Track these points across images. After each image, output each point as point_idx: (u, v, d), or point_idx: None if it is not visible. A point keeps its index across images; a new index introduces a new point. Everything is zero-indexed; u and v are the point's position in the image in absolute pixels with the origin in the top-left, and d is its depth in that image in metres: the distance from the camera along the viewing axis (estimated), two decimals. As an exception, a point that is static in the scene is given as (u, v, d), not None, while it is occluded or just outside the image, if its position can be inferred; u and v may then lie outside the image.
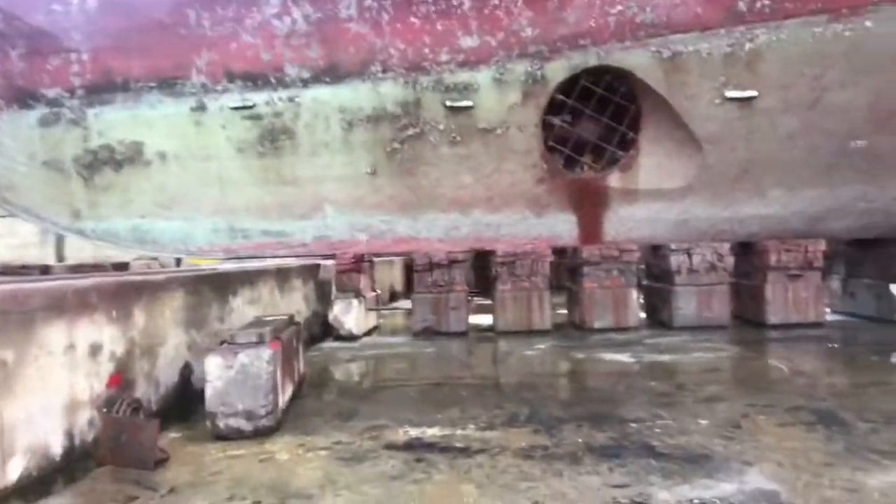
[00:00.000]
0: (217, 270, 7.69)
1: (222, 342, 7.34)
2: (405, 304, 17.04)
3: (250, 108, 7.18)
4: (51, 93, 7.85)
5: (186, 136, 7.52)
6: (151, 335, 7.20)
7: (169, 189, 7.70)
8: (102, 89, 7.64)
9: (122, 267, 12.76)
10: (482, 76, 6.46)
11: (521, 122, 6.36)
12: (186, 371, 7.88)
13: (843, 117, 6.13)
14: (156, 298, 7.10)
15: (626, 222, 6.82)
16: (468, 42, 6.37)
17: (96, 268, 12.69)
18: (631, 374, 9.80)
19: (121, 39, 7.50)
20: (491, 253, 13.64)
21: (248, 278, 9.05)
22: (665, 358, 10.82)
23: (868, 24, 5.71)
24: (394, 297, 21.44)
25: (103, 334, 6.53)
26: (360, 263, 11.02)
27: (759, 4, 5.75)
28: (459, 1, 6.27)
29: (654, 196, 6.66)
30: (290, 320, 8.51)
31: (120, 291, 6.49)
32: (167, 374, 7.56)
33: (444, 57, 6.51)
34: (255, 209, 7.49)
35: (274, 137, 7.21)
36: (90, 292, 6.13)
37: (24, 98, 8.02)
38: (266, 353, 7.04)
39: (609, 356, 11.12)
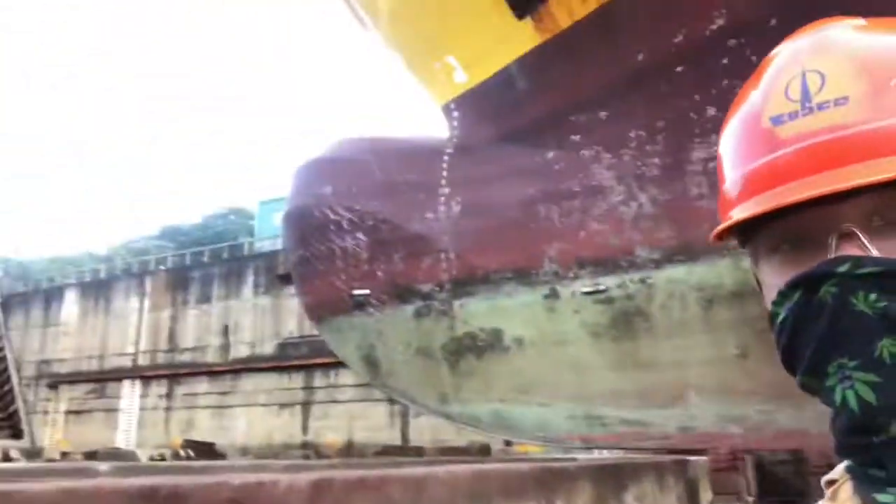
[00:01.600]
0: (607, 461, 7.30)
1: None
2: None
3: (602, 291, 7.19)
4: (425, 288, 9.02)
5: (541, 322, 7.81)
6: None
7: (526, 374, 7.95)
8: (466, 283, 8.50)
9: (485, 451, 13.18)
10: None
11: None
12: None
13: None
14: (573, 490, 6.51)
15: None
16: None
17: (462, 451, 13.27)
18: None
19: (480, 238, 8.36)
20: None
21: (636, 473, 8.12)
22: None
23: None
24: None
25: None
26: (740, 461, 9.67)
27: None
28: (834, 160, 5.59)
29: None
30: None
31: (545, 479, 6.04)
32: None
33: (820, 222, 5.74)
34: (612, 396, 7.22)
35: (628, 320, 7.03)
36: (525, 479, 5.67)
37: (403, 294, 9.34)
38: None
39: None
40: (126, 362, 26.73)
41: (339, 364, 21.76)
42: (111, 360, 27.17)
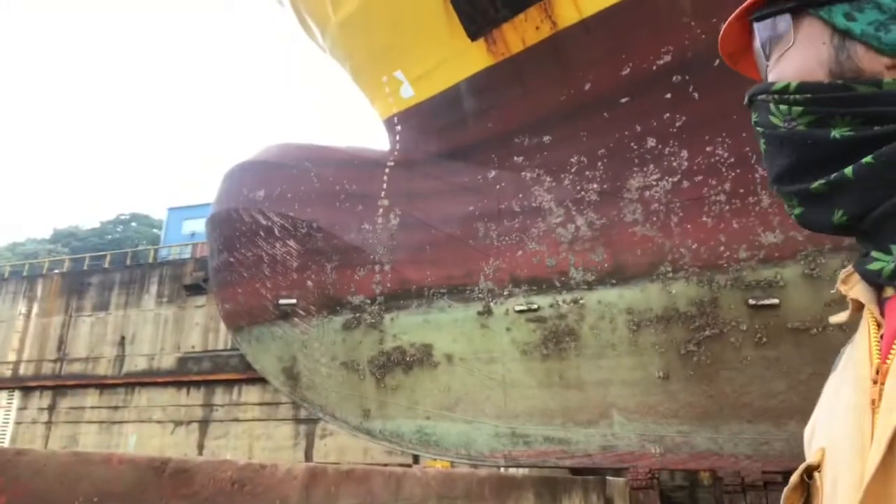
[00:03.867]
0: (544, 475, 7.29)
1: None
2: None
3: (535, 310, 7.37)
4: (356, 300, 8.91)
5: (472, 338, 7.89)
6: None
7: (454, 391, 7.96)
8: (399, 296, 8.47)
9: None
10: (789, 272, 5.97)
11: (843, 322, 5.63)
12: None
13: None
14: (520, 499, 6.43)
15: None
16: (770, 238, 6.02)
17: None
18: None
19: (417, 252, 8.39)
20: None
21: (566, 488, 8.06)
22: None
23: None
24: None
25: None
26: (656, 480, 10.01)
27: None
28: (757, 198, 6.04)
29: None
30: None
31: (501, 487, 5.88)
32: None
33: (742, 254, 6.18)
34: (538, 414, 7.36)
35: (558, 339, 7.23)
36: (483, 484, 5.50)
37: (332, 305, 9.18)
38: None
39: None
40: (5, 371, 24.61)
41: (244, 381, 20.99)
42: (-13, 367, 24.93)
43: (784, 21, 0.82)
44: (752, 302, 6.02)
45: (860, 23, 0.77)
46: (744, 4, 0.87)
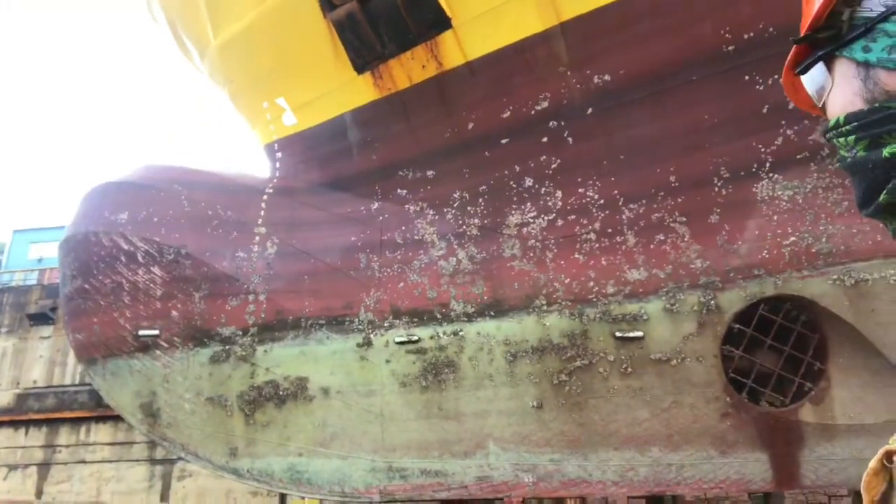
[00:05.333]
0: None
1: None
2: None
3: (415, 342, 7.37)
4: (225, 331, 8.45)
5: (350, 370, 7.72)
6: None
7: (329, 426, 7.72)
8: (274, 328, 8.15)
9: None
10: (652, 306, 6.42)
11: (699, 353, 6.12)
12: None
13: None
14: None
15: (826, 463, 6.12)
16: (635, 275, 6.45)
17: None
18: None
19: (295, 282, 8.14)
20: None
21: None
22: None
23: None
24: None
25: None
26: None
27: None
28: (623, 238, 6.47)
29: (855, 432, 6.02)
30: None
31: None
32: None
33: (610, 289, 6.57)
34: (416, 447, 7.30)
35: (437, 371, 7.26)
36: None
37: (199, 336, 8.65)
38: None
39: None
40: None
41: (93, 419, 19.25)
42: None
43: (819, 70, 0.95)
44: (618, 334, 6.40)
45: (875, 52, 0.90)
46: (787, 61, 1.00)
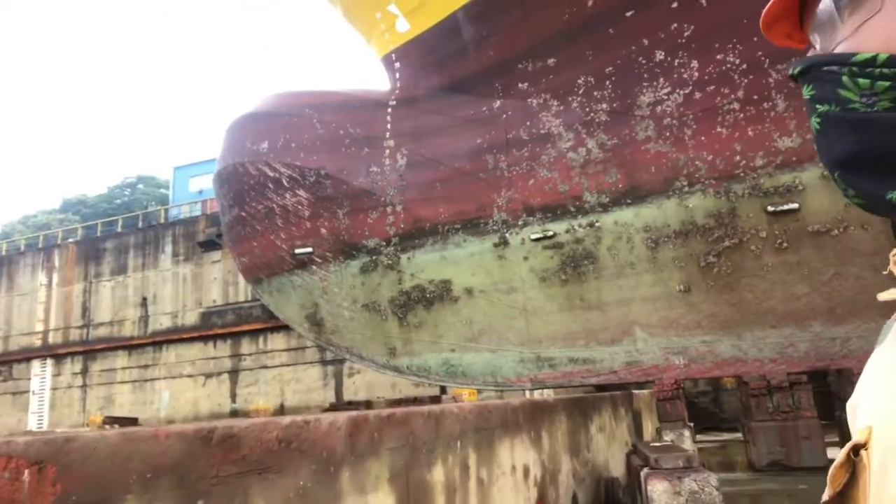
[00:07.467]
0: (576, 395, 7.35)
1: (643, 466, 6.60)
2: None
3: (551, 237, 7.35)
4: (370, 243, 8.91)
5: (491, 270, 7.91)
6: (554, 461, 6.62)
7: (476, 323, 8.06)
8: (414, 235, 8.45)
9: (435, 399, 13.13)
10: (808, 175, 5.88)
11: (865, 219, 5.58)
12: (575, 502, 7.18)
13: None
14: (553, 422, 6.49)
15: None
16: (787, 143, 5.90)
17: (416, 401, 13.21)
18: None
19: (428, 190, 8.32)
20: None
21: (597, 406, 8.05)
22: None
23: None
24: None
25: (529, 457, 6.06)
26: (681, 390, 10.02)
27: None
28: (772, 103, 5.89)
29: None
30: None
31: (534, 412, 5.94)
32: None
33: (759, 161, 6.08)
34: (561, 337, 7.45)
35: (576, 263, 7.23)
36: (517, 412, 5.59)
37: (348, 250, 9.19)
38: (713, 478, 6.15)
39: None
40: (35, 341, 25.20)
41: (268, 329, 21.41)
42: (17, 339, 25.54)
43: None
44: (770, 209, 5.97)
45: None
46: None
